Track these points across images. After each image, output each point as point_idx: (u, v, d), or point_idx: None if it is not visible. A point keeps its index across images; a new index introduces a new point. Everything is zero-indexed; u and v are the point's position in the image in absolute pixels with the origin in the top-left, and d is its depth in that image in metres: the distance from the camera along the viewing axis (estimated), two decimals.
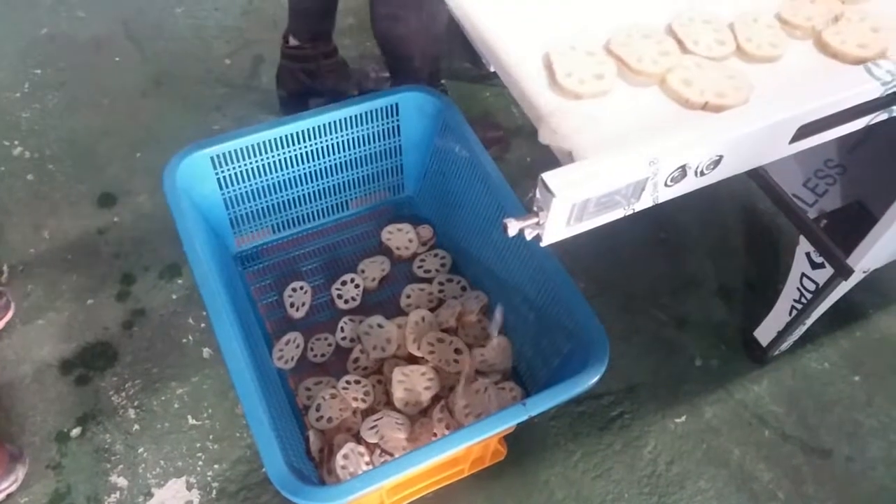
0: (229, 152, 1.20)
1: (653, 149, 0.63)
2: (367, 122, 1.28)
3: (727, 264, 1.44)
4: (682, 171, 0.65)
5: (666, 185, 0.65)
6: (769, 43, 0.77)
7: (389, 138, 1.32)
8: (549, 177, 0.59)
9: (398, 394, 1.09)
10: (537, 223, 0.61)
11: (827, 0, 0.82)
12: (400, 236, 1.35)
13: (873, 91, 0.69)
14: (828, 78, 0.72)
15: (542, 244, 0.62)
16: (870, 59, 0.73)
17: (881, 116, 0.74)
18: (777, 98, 0.67)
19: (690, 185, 0.67)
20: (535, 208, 0.61)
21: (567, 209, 0.60)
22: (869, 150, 1.22)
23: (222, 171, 1.21)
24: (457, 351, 1.15)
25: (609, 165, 0.62)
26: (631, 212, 0.66)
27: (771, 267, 1.43)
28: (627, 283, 1.41)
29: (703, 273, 1.43)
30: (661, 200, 0.66)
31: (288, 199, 1.32)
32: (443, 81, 1.56)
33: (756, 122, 0.66)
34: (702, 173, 0.67)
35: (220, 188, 1.23)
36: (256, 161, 1.23)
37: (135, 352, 1.28)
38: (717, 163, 0.67)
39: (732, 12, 0.81)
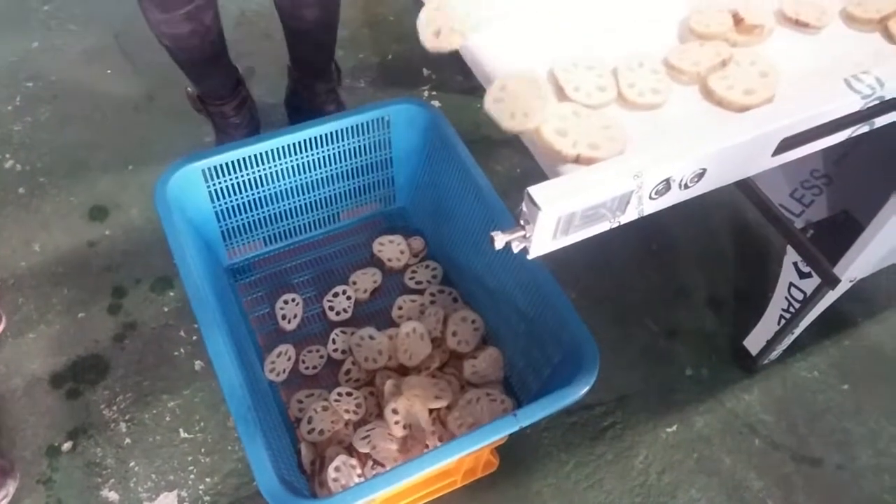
0: (221, 165, 1.21)
1: (637, 162, 0.63)
2: (358, 135, 1.29)
3: (717, 274, 1.46)
4: (667, 184, 0.66)
5: (650, 197, 0.66)
6: (651, 89, 0.74)
7: (381, 150, 1.33)
8: (534, 190, 0.60)
9: (397, 433, 1.08)
10: (524, 236, 0.62)
11: (716, 44, 0.78)
12: (391, 248, 1.35)
13: (854, 104, 0.70)
14: (717, 123, 0.72)
15: (529, 257, 0.63)
16: (754, 107, 0.71)
17: (862, 129, 0.75)
18: (759, 112, 0.68)
19: (675, 197, 0.68)
20: (521, 221, 0.61)
21: (553, 222, 0.61)
22: (854, 161, 1.24)
23: (214, 184, 1.22)
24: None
25: (594, 179, 0.62)
26: (616, 224, 0.66)
27: (760, 276, 1.44)
28: (618, 294, 1.42)
29: (692, 283, 1.44)
30: (646, 213, 0.67)
31: (279, 212, 1.32)
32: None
33: (739, 135, 0.67)
34: (686, 186, 0.68)
35: (212, 201, 1.24)
36: (248, 174, 1.24)
37: (126, 365, 1.28)
38: (700, 175, 0.68)
39: (618, 56, 0.77)
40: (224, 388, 0.93)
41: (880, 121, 0.76)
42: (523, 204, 0.60)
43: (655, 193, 0.66)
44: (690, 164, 0.66)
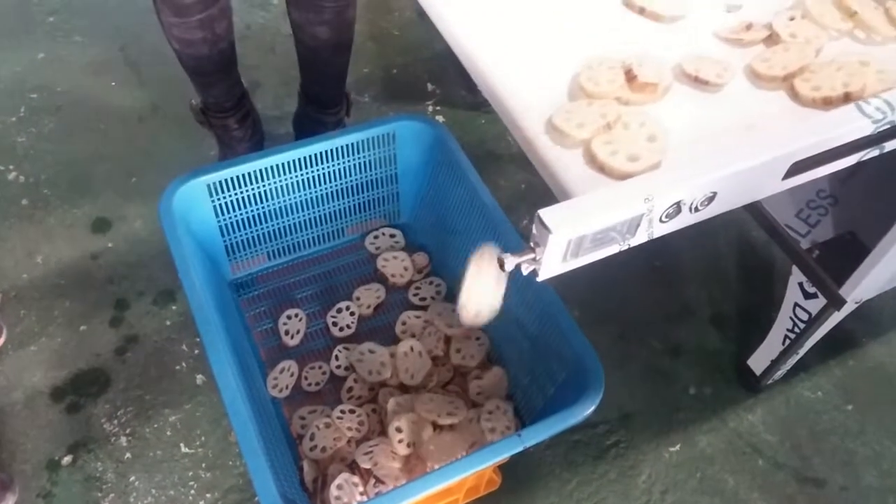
0: (226, 180, 1.21)
1: (648, 185, 0.63)
2: (363, 151, 1.29)
3: (721, 292, 1.45)
4: (677, 207, 0.66)
5: (661, 220, 0.66)
6: None
7: (386, 166, 1.33)
8: (545, 213, 0.60)
9: (401, 451, 1.08)
10: (534, 258, 0.62)
11: (604, 103, 0.73)
12: (395, 264, 1.35)
13: (864, 129, 0.70)
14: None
15: (539, 279, 0.63)
16: (638, 174, 0.66)
17: (872, 153, 0.75)
18: (769, 136, 0.68)
19: (685, 220, 0.68)
20: (531, 243, 0.61)
21: (563, 245, 0.61)
22: (860, 182, 1.24)
23: (218, 199, 1.22)
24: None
25: (605, 202, 0.62)
26: (626, 247, 0.66)
27: (764, 295, 1.44)
28: (622, 311, 1.41)
29: (696, 301, 1.44)
30: (655, 236, 0.67)
31: (284, 227, 1.32)
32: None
33: (750, 159, 0.67)
34: (696, 209, 0.68)
35: (217, 215, 1.24)
36: (253, 189, 1.24)
37: (127, 378, 1.28)
38: (711, 199, 0.68)
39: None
40: (226, 403, 0.92)
41: (890, 145, 0.76)
42: (533, 226, 0.60)
43: (666, 217, 0.66)
44: (701, 187, 0.65)
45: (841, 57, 0.79)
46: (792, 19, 0.84)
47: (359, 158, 1.30)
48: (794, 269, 1.19)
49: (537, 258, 0.61)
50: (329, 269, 1.37)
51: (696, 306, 1.43)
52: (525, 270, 0.62)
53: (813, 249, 1.19)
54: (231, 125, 1.50)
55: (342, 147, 1.27)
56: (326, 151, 1.26)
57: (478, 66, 0.80)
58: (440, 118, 1.73)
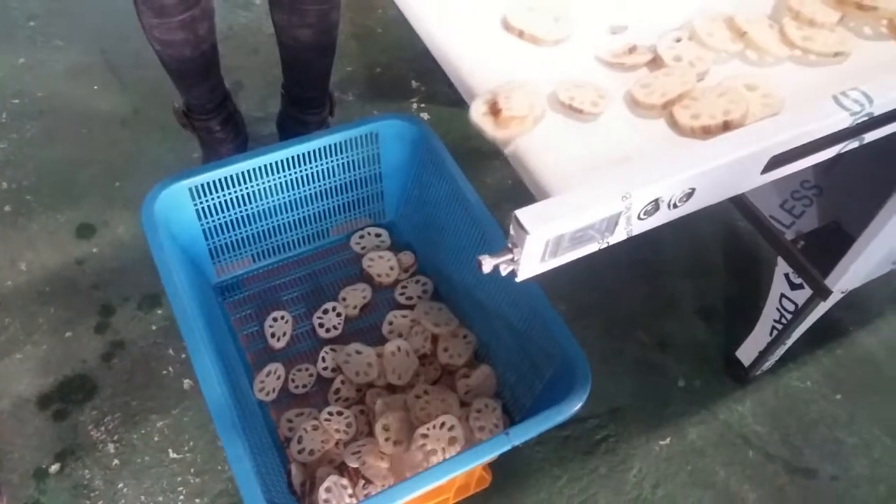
0: (208, 183, 1.20)
1: (625, 183, 0.63)
2: (347, 151, 1.28)
3: (707, 284, 1.45)
4: (656, 204, 0.65)
5: (639, 218, 0.66)
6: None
7: (369, 166, 1.33)
8: (522, 213, 0.59)
9: (388, 450, 1.07)
10: (512, 259, 0.61)
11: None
12: (381, 263, 1.34)
13: (843, 122, 0.70)
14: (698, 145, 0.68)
15: (518, 280, 0.62)
16: None
17: (852, 145, 0.75)
18: (747, 130, 0.68)
19: (664, 217, 0.68)
20: (509, 244, 0.61)
21: (541, 245, 0.60)
22: (844, 171, 1.24)
23: (201, 202, 1.21)
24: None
25: (582, 201, 0.62)
26: (605, 245, 0.66)
27: (751, 285, 1.44)
28: (608, 305, 1.41)
29: (683, 293, 1.44)
30: (634, 233, 0.67)
31: (268, 229, 1.31)
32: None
33: (727, 154, 0.66)
34: (675, 206, 0.67)
35: (200, 219, 1.23)
36: (236, 191, 1.23)
37: (114, 384, 1.27)
38: (689, 195, 0.67)
39: None
40: (211, 409, 0.92)
41: (869, 136, 0.75)
42: (511, 227, 0.60)
43: (644, 214, 0.66)
44: (679, 184, 0.65)
45: (728, 80, 0.74)
46: (678, 41, 0.78)
47: (343, 158, 1.29)
48: (780, 259, 1.19)
49: (515, 259, 0.61)
50: (315, 270, 1.36)
51: (683, 298, 1.43)
52: (504, 272, 0.62)
53: (798, 240, 1.19)
54: (214, 127, 1.49)
55: (326, 147, 1.26)
56: (310, 152, 1.25)
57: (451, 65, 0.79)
58: (425, 115, 1.73)
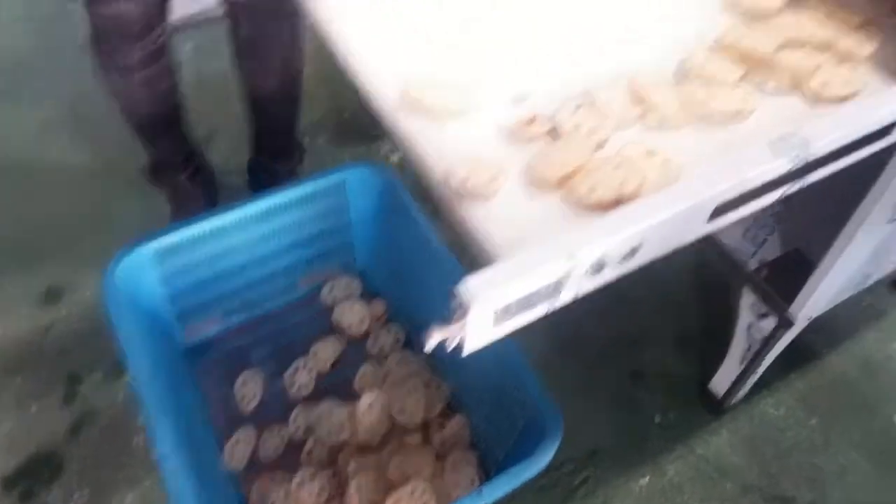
0: (173, 244, 1.18)
1: (567, 245, 0.63)
2: (315, 202, 1.27)
3: (679, 315, 1.46)
4: (601, 262, 0.65)
5: (586, 278, 0.66)
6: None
7: (338, 215, 1.32)
8: (462, 287, 0.59)
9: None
10: (458, 329, 0.61)
11: None
12: (352, 314, 1.33)
13: (781, 168, 0.71)
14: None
15: (464, 354, 0.62)
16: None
17: (794, 187, 0.76)
18: (691, 182, 0.68)
19: (612, 274, 0.68)
20: (454, 317, 0.60)
21: (486, 316, 0.60)
22: (804, 196, 1.25)
23: (166, 265, 1.19)
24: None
25: (526, 265, 0.62)
26: (555, 307, 0.66)
27: (724, 313, 1.44)
28: (580, 342, 1.41)
29: (655, 325, 1.44)
30: (583, 293, 0.67)
31: (236, 286, 1.30)
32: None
33: (672, 207, 0.67)
34: (621, 262, 0.68)
35: (166, 282, 1.21)
36: (202, 250, 1.22)
37: (82, 458, 1.24)
38: (635, 250, 0.67)
39: None
40: (170, 491, 0.90)
41: (811, 177, 0.77)
42: (452, 301, 0.60)
43: (591, 273, 0.66)
44: (624, 241, 0.65)
45: (629, 147, 0.72)
46: (579, 107, 0.75)
47: (311, 209, 1.28)
48: (745, 290, 1.20)
49: (460, 331, 0.60)
50: (285, 326, 1.35)
51: (655, 330, 1.43)
52: (450, 346, 0.61)
53: (761, 269, 1.20)
54: (181, 182, 1.48)
55: (292, 200, 1.25)
56: (276, 206, 1.24)
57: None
58: (395, 157, 1.73)
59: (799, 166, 0.72)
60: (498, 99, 0.79)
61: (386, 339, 1.32)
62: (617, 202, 0.66)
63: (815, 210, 1.23)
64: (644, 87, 0.76)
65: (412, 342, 1.32)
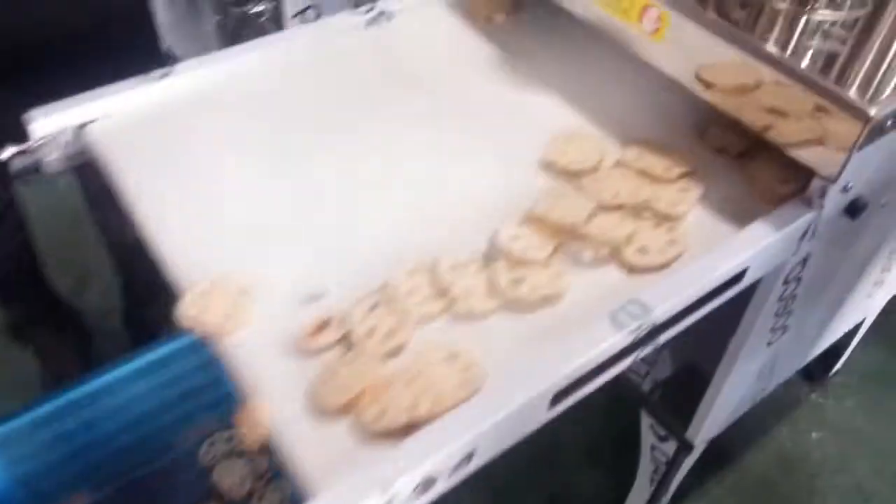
0: (16, 428, 1.07)
1: (383, 472, 0.55)
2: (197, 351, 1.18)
3: (592, 427, 1.39)
4: (430, 480, 0.58)
5: (413, 498, 0.58)
6: None
7: (207, 370, 1.23)
8: None
9: None
10: None
11: None
12: (232, 474, 1.22)
13: (622, 341, 0.65)
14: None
15: None
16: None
17: (647, 351, 0.71)
18: (514, 378, 0.62)
19: (447, 484, 0.61)
20: None
21: None
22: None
23: (12, 452, 1.08)
24: None
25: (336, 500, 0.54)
26: None
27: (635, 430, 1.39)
28: (492, 469, 1.32)
29: (569, 443, 1.37)
30: None
31: (102, 458, 1.18)
32: None
33: (503, 408, 0.60)
34: (455, 471, 0.60)
35: (12, 467, 1.09)
36: (55, 427, 1.11)
37: None
38: (470, 456, 0.60)
39: None
40: None
41: (664, 337, 0.72)
42: None
43: (420, 492, 0.58)
44: (452, 454, 0.58)
45: (428, 352, 0.62)
46: (375, 306, 0.65)
47: (192, 360, 1.19)
48: (642, 412, 1.15)
49: None
50: (161, 494, 1.23)
51: (569, 448, 1.36)
52: None
53: (655, 390, 1.15)
54: (44, 340, 1.37)
55: (173, 352, 1.16)
56: (137, 369, 1.15)
57: None
58: None
59: (642, 335, 0.67)
60: (285, 300, 0.67)
61: (271, 498, 1.21)
62: (409, 427, 0.57)
63: (702, 329, 1.20)
64: (448, 274, 0.68)
65: (299, 498, 1.21)
